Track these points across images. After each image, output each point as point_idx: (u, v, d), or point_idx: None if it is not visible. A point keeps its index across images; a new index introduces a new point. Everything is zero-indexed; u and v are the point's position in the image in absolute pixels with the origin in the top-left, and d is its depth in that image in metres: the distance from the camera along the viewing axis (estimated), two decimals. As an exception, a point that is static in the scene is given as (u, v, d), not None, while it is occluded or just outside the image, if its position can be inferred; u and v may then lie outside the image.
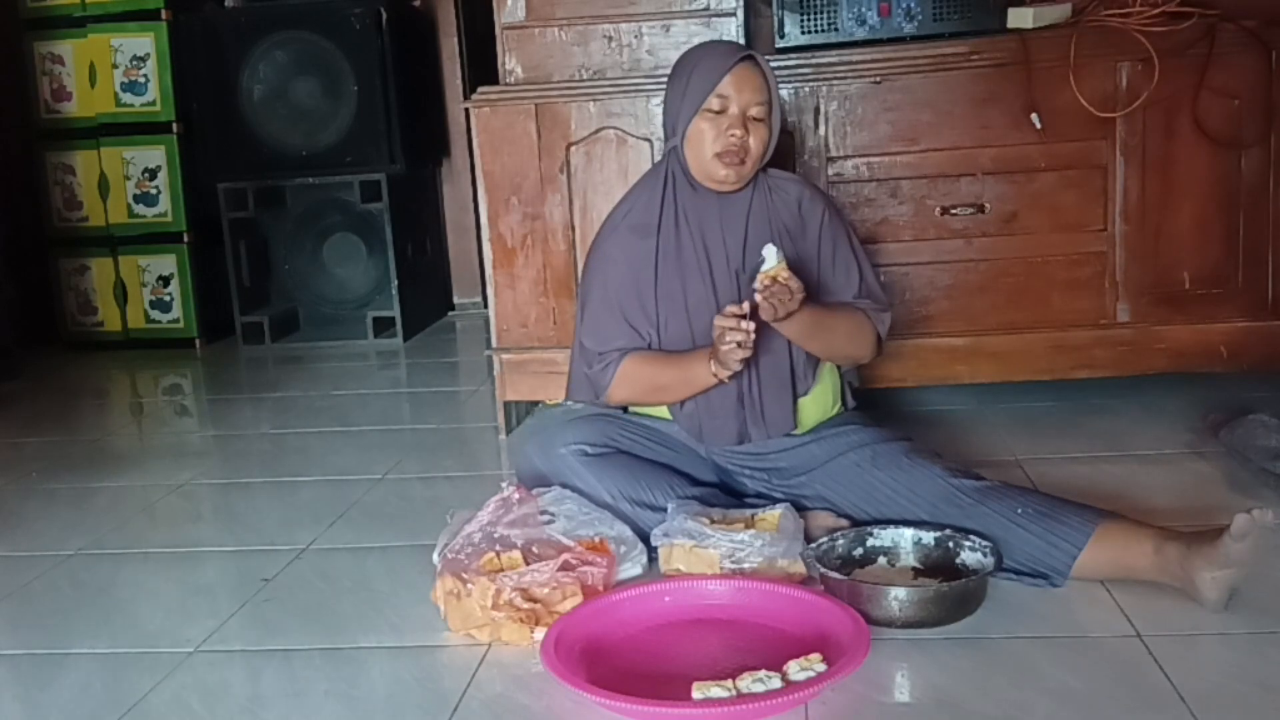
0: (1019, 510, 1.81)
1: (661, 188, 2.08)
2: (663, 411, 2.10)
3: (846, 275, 2.08)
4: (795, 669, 1.50)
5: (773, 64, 2.63)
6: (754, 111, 1.97)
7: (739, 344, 1.83)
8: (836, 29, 2.69)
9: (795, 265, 1.96)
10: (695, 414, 2.05)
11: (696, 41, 2.75)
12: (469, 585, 1.74)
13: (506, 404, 2.87)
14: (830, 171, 2.66)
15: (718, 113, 1.97)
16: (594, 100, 2.69)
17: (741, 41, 2.79)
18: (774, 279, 1.81)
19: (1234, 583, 1.65)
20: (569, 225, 2.73)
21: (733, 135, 1.96)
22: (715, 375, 1.91)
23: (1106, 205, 2.63)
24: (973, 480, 1.90)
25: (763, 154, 2.01)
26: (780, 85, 2.62)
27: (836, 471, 1.99)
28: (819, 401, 2.07)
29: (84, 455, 3.00)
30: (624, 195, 2.16)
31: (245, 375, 4.00)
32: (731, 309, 1.84)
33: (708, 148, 1.98)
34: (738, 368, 1.87)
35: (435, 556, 1.94)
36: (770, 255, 1.83)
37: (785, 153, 2.66)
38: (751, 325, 1.83)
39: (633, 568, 1.90)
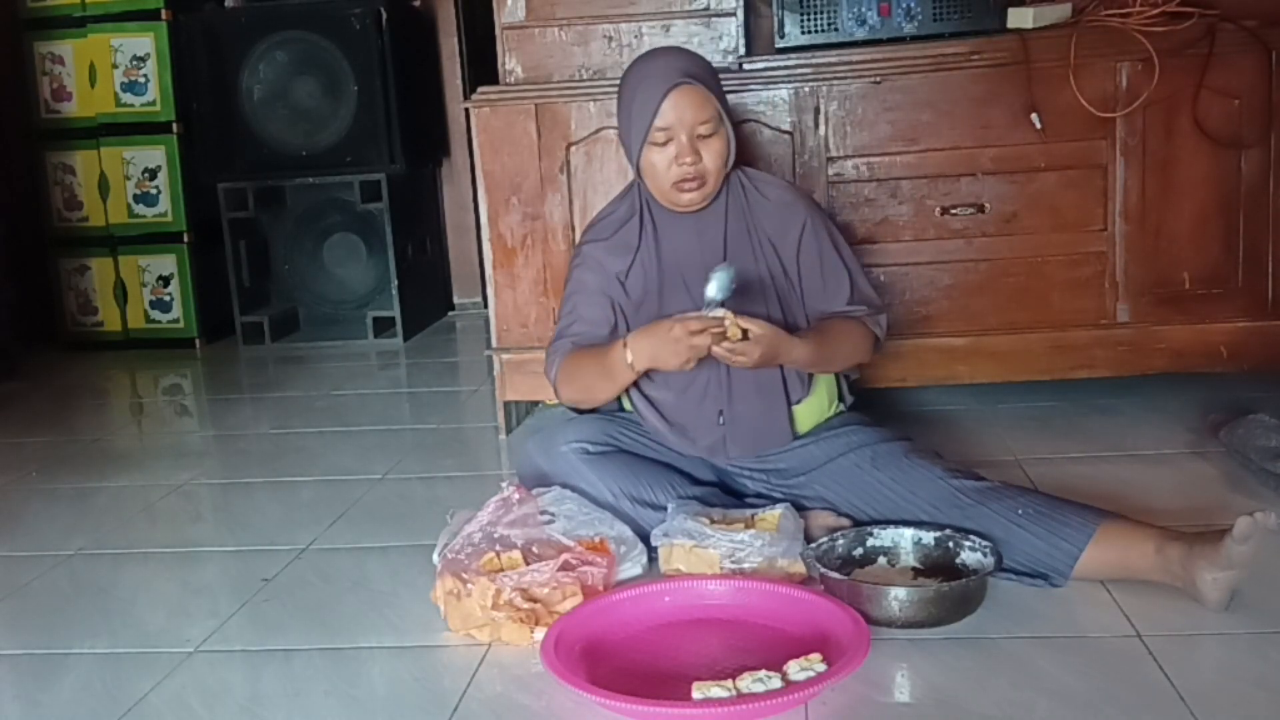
0: (1020, 510, 1.81)
1: (638, 208, 2.06)
2: None
3: (836, 281, 2.05)
4: (795, 669, 1.50)
5: (773, 64, 2.65)
6: (701, 130, 1.93)
7: (687, 357, 1.81)
8: (836, 29, 2.68)
9: (772, 277, 1.99)
10: (672, 430, 2.03)
11: (696, 42, 2.76)
12: (469, 585, 1.74)
13: (506, 404, 2.87)
14: (830, 171, 2.66)
15: (664, 143, 1.93)
16: (594, 100, 2.69)
17: (740, 42, 2.80)
18: (723, 335, 1.79)
19: (1235, 584, 1.65)
20: (569, 225, 2.73)
21: (684, 164, 1.93)
22: (632, 366, 1.88)
23: (1106, 205, 2.63)
24: (973, 481, 1.90)
25: (722, 166, 1.97)
26: (780, 85, 2.64)
27: (836, 472, 1.99)
28: (816, 405, 2.07)
29: (84, 455, 3.00)
30: (605, 209, 2.14)
31: (245, 375, 4.00)
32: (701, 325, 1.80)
33: (662, 179, 1.96)
34: (676, 369, 1.85)
35: (435, 556, 1.94)
36: (713, 285, 1.80)
37: (784, 153, 2.66)
38: (720, 320, 1.80)
39: (633, 568, 1.90)
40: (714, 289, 1.83)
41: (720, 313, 1.80)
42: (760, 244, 2.03)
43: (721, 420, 2.01)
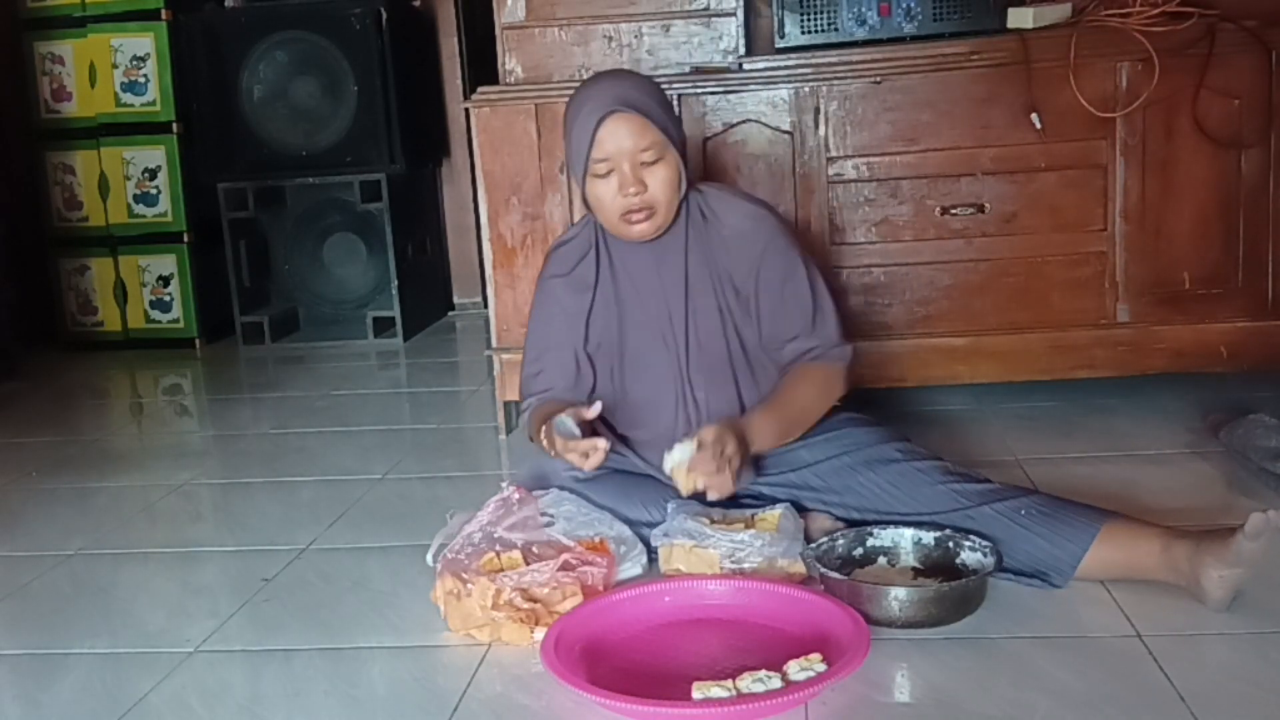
0: (1022, 511, 1.80)
1: (594, 240, 2.00)
2: None
3: (799, 312, 1.95)
4: (795, 669, 1.50)
5: (773, 64, 2.65)
6: (644, 157, 1.84)
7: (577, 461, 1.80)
8: (836, 29, 2.68)
9: (731, 311, 1.93)
10: (651, 466, 1.99)
11: (696, 42, 2.76)
12: (469, 585, 1.74)
13: (506, 404, 2.87)
14: (830, 171, 2.66)
15: (606, 175, 1.85)
16: (594, 100, 2.68)
17: (740, 42, 2.80)
18: (694, 490, 1.77)
19: (1240, 583, 1.65)
20: (569, 225, 2.72)
21: (629, 195, 1.84)
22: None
23: (1106, 205, 2.63)
24: (973, 483, 1.89)
25: (673, 193, 1.89)
26: (780, 85, 2.64)
27: (832, 475, 1.97)
28: None
29: (84, 455, 3.00)
30: (562, 238, 2.08)
31: (245, 375, 4.00)
32: (575, 444, 1.77)
33: (609, 211, 1.88)
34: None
35: (429, 557, 1.94)
36: (670, 460, 1.77)
37: (784, 153, 2.66)
38: (598, 459, 1.77)
39: (633, 568, 1.90)
40: (669, 463, 1.78)
41: (670, 463, 1.76)
42: (718, 276, 1.95)
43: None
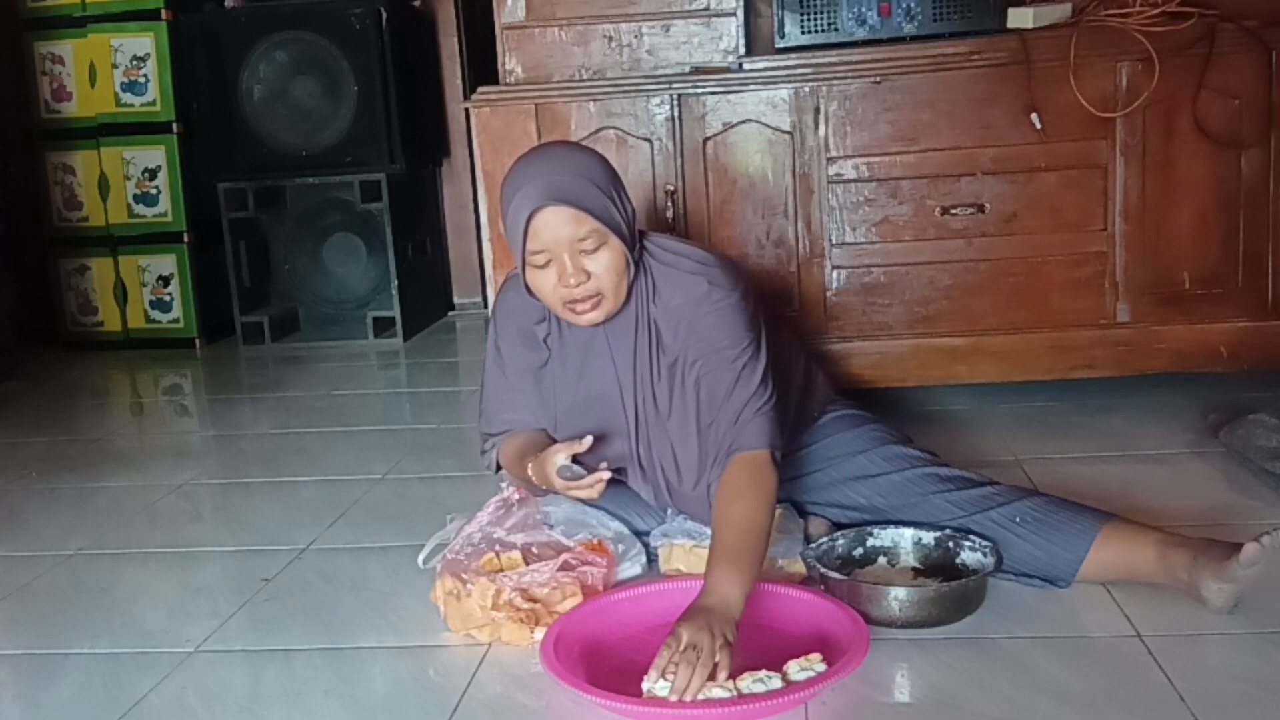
0: (1017, 519, 1.80)
1: (546, 311, 1.88)
2: None
3: (723, 395, 1.77)
4: (795, 669, 1.50)
5: (773, 64, 2.64)
6: (584, 245, 1.72)
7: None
8: (836, 29, 2.68)
9: (679, 394, 1.83)
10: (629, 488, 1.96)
11: (696, 41, 2.76)
12: (469, 585, 1.74)
13: (506, 404, 2.86)
14: (830, 171, 2.66)
15: (544, 265, 1.74)
16: (594, 100, 2.69)
17: (740, 42, 2.80)
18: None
19: (1240, 594, 1.65)
20: (569, 225, 2.72)
21: (570, 286, 1.73)
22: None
23: (1106, 205, 2.63)
24: (967, 489, 1.88)
25: (620, 277, 1.76)
26: (780, 85, 2.64)
27: (819, 492, 1.97)
28: None
29: (84, 455, 3.00)
30: (510, 283, 1.94)
31: (245, 375, 4.00)
32: (578, 483, 1.76)
33: (552, 301, 1.77)
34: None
35: (420, 560, 1.94)
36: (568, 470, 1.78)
37: (784, 153, 2.66)
38: (602, 489, 1.76)
39: (632, 568, 1.90)
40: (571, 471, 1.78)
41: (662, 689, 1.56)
42: (661, 355, 1.85)
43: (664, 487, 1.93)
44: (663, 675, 1.46)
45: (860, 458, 1.96)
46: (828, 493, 1.96)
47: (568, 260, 1.72)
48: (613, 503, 1.95)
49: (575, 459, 1.79)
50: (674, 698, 1.44)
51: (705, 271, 1.82)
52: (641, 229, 1.89)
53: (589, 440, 1.77)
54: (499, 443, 2.02)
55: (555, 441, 1.87)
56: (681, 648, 1.47)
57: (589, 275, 1.73)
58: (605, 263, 1.74)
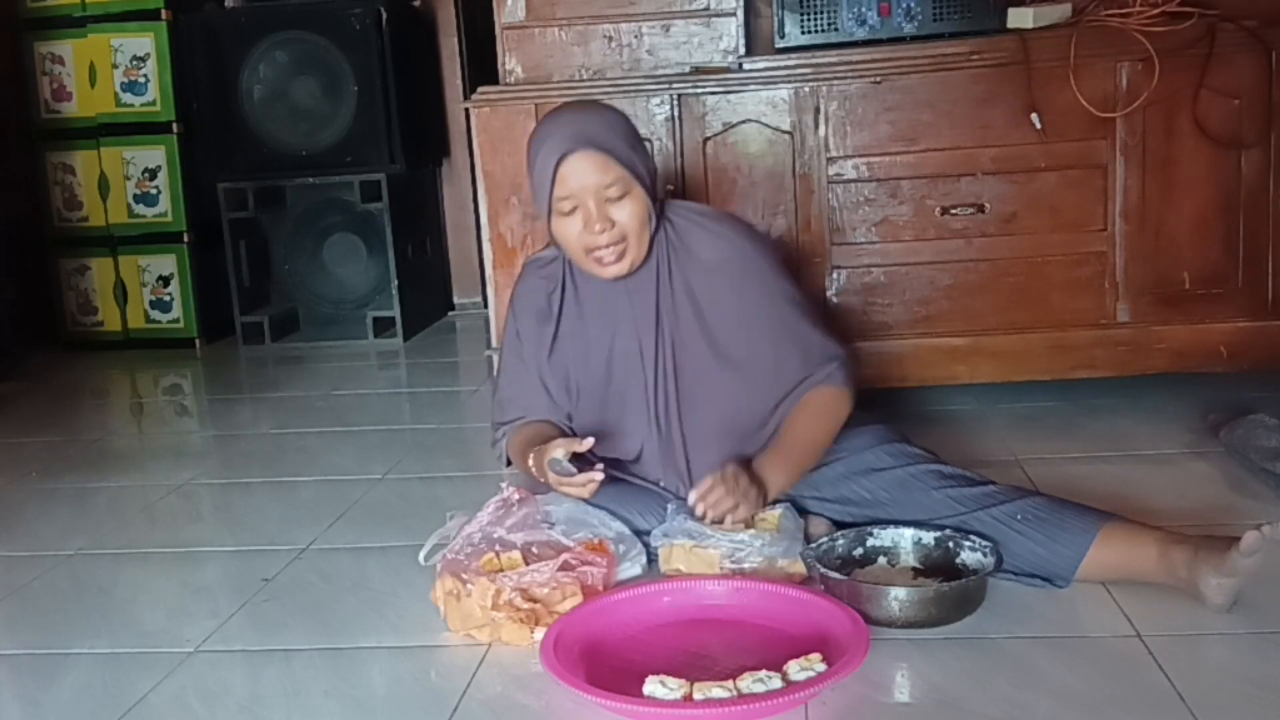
0: (1019, 516, 1.80)
1: (561, 273, 1.95)
2: None
3: (790, 341, 1.92)
4: (795, 669, 1.50)
5: (773, 64, 2.65)
6: (610, 193, 1.79)
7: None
8: (836, 29, 2.68)
9: (713, 345, 1.90)
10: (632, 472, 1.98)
11: (696, 41, 2.76)
12: (469, 585, 1.74)
13: (506, 404, 2.86)
14: (830, 171, 2.66)
15: (570, 213, 1.81)
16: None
17: (740, 42, 2.80)
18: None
19: (1239, 589, 1.65)
20: (569, 225, 2.72)
21: (596, 233, 1.79)
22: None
23: (1106, 205, 2.63)
24: (969, 487, 1.88)
25: (643, 227, 1.83)
26: (780, 85, 2.64)
27: (826, 486, 1.97)
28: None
29: (84, 455, 3.00)
30: (539, 255, 2.04)
31: (245, 375, 4.00)
32: (570, 480, 1.77)
33: (575, 249, 1.83)
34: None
35: (421, 557, 1.94)
36: (565, 466, 1.80)
37: (784, 153, 2.66)
38: (595, 489, 1.78)
39: (633, 568, 1.90)
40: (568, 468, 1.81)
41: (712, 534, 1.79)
42: (698, 313, 1.91)
43: (674, 468, 1.97)
44: (701, 500, 1.76)
45: (866, 453, 1.96)
46: (835, 487, 1.96)
47: (593, 207, 1.78)
48: (613, 501, 1.95)
49: (577, 456, 1.79)
50: (700, 508, 1.72)
51: (732, 225, 1.95)
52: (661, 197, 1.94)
53: (589, 441, 1.79)
54: (509, 432, 2.02)
55: (564, 434, 1.89)
56: (721, 477, 1.74)
57: (613, 223, 1.79)
58: (630, 211, 1.80)
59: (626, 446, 1.99)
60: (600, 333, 1.95)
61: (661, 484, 2.00)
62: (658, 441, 1.97)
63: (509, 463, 2.07)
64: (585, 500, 1.94)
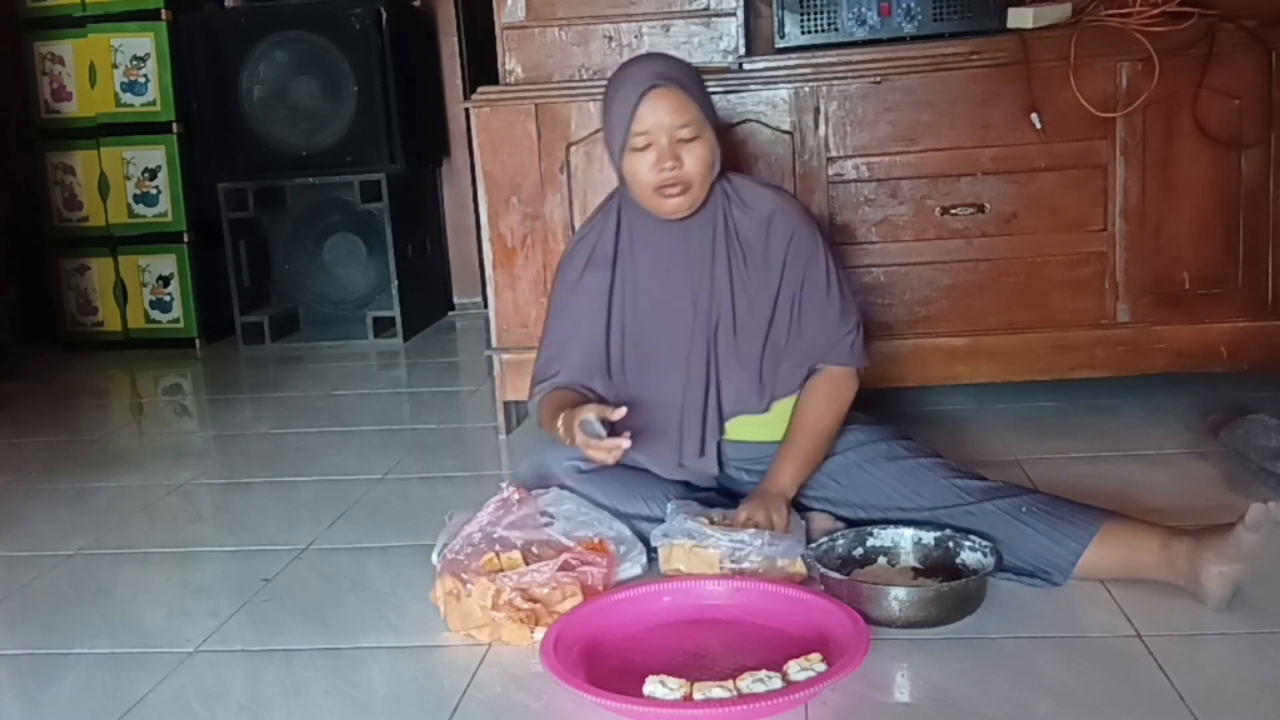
0: (1023, 509, 1.81)
1: (616, 219, 2.04)
2: None
3: (819, 310, 2.00)
4: (795, 669, 1.50)
5: (773, 64, 2.65)
6: (681, 134, 1.88)
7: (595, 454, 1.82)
8: (836, 29, 2.68)
9: (751, 297, 1.97)
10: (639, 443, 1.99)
11: (696, 42, 2.76)
12: (469, 585, 1.74)
13: (506, 404, 2.87)
14: (830, 171, 2.66)
15: (644, 148, 1.89)
16: (594, 100, 2.69)
17: (740, 42, 2.80)
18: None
19: (1240, 579, 1.65)
20: (569, 225, 2.73)
21: (665, 169, 1.89)
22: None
23: (1106, 205, 2.63)
24: (975, 480, 1.90)
25: (707, 171, 1.93)
26: (780, 85, 2.64)
27: (837, 470, 1.99)
28: (774, 423, 2.03)
29: (84, 455, 3.00)
30: (584, 223, 2.13)
31: (245, 375, 4.00)
32: (598, 442, 1.79)
33: (644, 184, 1.92)
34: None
35: (434, 557, 1.94)
36: (595, 428, 1.81)
37: (784, 153, 2.66)
38: (618, 455, 1.79)
39: (632, 568, 1.90)
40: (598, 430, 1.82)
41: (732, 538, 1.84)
42: (744, 264, 1.99)
43: (680, 433, 2.00)
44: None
45: (878, 444, 1.99)
46: (848, 474, 1.98)
47: (665, 144, 1.88)
48: (621, 489, 1.98)
49: (608, 426, 1.83)
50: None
51: (784, 192, 2.10)
52: None
53: (623, 410, 1.83)
54: (544, 391, 2.05)
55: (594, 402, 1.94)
56: (741, 520, 1.86)
57: (682, 163, 1.88)
58: (698, 154, 1.90)
59: (657, 393, 2.01)
60: (653, 274, 2.01)
61: (682, 451, 2.01)
62: (685, 386, 1.99)
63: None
64: (589, 497, 1.96)
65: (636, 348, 2.03)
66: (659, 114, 1.88)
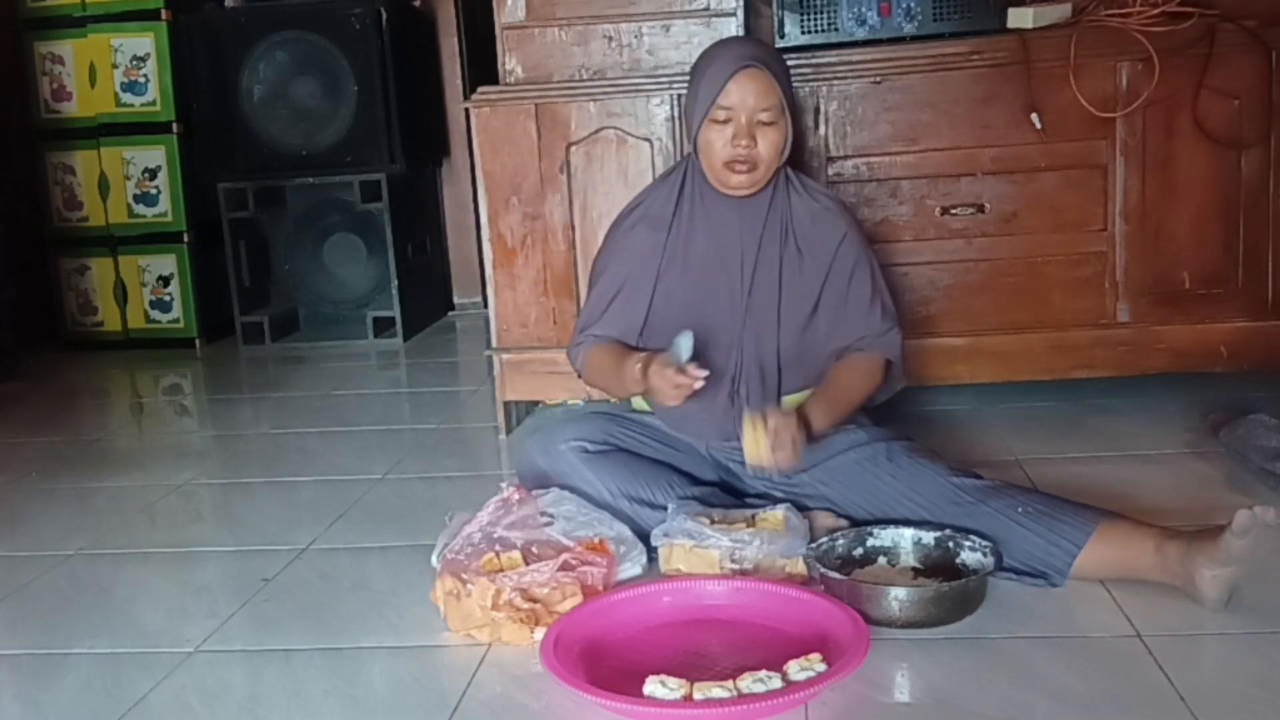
0: (1020, 509, 1.81)
1: (680, 184, 2.09)
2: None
3: (863, 310, 2.06)
4: (795, 669, 1.50)
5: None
6: (762, 117, 1.95)
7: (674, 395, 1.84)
8: (836, 29, 2.68)
9: (793, 281, 2.01)
10: (681, 412, 2.02)
11: (696, 42, 2.76)
12: (469, 585, 1.74)
13: (506, 404, 2.87)
14: (830, 171, 2.66)
15: (724, 122, 1.96)
16: (594, 100, 2.69)
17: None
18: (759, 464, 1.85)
19: (1234, 581, 1.65)
20: (569, 225, 2.73)
21: (739, 146, 1.95)
22: (643, 395, 1.93)
23: (1106, 205, 2.63)
24: (973, 479, 1.91)
25: (776, 157, 2.00)
26: (780, 85, 2.64)
27: (838, 470, 1.99)
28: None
29: (84, 455, 3.00)
30: (644, 191, 2.18)
31: (245, 375, 4.00)
32: (684, 378, 1.82)
33: (716, 156, 1.98)
34: (670, 404, 1.87)
35: (434, 558, 1.94)
36: (683, 346, 1.84)
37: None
38: (698, 384, 1.82)
39: (633, 568, 1.90)
40: (682, 353, 1.85)
41: (746, 448, 1.84)
42: (794, 248, 2.05)
43: (733, 404, 2.03)
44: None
45: (877, 444, 2.00)
46: (847, 474, 1.98)
47: (744, 123, 1.95)
48: (627, 473, 2.00)
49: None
50: (762, 448, 1.81)
51: (836, 198, 2.16)
52: None
53: (704, 372, 1.84)
54: (591, 341, 2.09)
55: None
56: (764, 419, 1.84)
57: (756, 143, 1.95)
58: (771, 139, 1.97)
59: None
60: (705, 241, 2.06)
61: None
62: (730, 353, 2.03)
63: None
64: (595, 480, 1.99)
65: (680, 308, 2.05)
66: (745, 93, 1.94)
